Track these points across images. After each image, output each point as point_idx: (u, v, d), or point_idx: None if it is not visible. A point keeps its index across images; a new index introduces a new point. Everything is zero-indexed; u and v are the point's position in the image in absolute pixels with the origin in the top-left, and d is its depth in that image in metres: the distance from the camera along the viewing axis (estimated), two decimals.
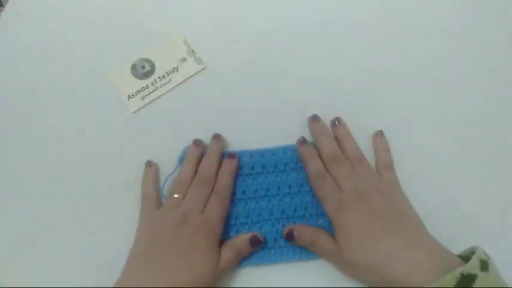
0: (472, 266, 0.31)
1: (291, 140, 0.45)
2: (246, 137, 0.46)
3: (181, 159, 0.44)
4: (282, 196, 0.42)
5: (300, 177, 0.43)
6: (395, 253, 0.34)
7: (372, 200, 0.38)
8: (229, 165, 0.43)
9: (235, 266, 0.39)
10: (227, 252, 0.38)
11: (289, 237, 0.40)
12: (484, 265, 0.32)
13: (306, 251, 0.40)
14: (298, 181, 0.43)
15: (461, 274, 0.31)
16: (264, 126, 0.47)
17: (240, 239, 0.39)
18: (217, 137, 0.45)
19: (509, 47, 0.51)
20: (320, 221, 0.42)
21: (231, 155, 0.43)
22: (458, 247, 0.36)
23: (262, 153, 0.44)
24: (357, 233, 0.36)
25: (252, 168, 0.43)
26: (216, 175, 0.42)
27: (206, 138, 0.45)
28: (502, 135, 0.46)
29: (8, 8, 0.56)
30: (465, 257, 0.34)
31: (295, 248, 0.40)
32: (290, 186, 0.43)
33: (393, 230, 0.36)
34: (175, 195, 0.41)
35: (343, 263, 0.38)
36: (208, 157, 0.43)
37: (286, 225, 0.41)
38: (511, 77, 0.50)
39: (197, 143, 0.44)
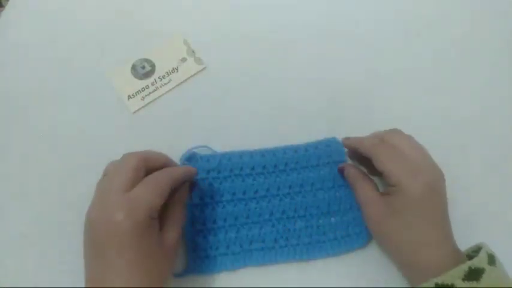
0: (481, 260, 0.31)
1: (291, 140, 0.45)
2: (246, 137, 0.46)
3: (185, 159, 0.43)
4: (282, 196, 0.42)
5: (300, 177, 0.43)
6: (433, 243, 0.34)
7: (438, 177, 0.37)
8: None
9: (185, 218, 0.38)
10: (176, 216, 0.36)
11: (340, 171, 0.42)
12: (492, 259, 0.32)
13: (307, 251, 0.40)
14: (299, 181, 0.43)
15: (469, 267, 0.31)
16: (264, 126, 0.47)
17: (182, 192, 0.38)
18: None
19: (509, 47, 0.51)
20: (333, 219, 0.42)
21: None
22: (458, 247, 0.36)
23: (263, 154, 0.44)
24: (417, 209, 0.35)
25: (252, 168, 0.43)
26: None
27: (206, 138, 0.45)
28: (502, 135, 0.46)
29: (8, 8, 0.56)
30: (467, 256, 0.34)
31: (295, 248, 0.41)
32: (290, 187, 0.43)
33: (443, 217, 0.36)
34: (105, 178, 0.36)
35: (379, 220, 0.37)
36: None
37: (287, 225, 0.41)
38: (511, 77, 0.50)
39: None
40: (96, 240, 0.33)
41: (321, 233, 0.41)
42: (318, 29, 0.53)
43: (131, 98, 0.49)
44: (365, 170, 0.42)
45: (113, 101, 0.49)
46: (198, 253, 0.40)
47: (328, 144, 0.44)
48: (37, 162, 0.46)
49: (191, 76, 0.50)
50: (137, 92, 0.49)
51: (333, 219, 0.42)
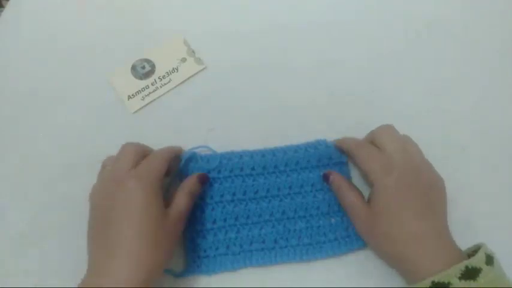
0: (478, 260, 0.31)
1: (291, 140, 0.45)
2: (246, 137, 0.46)
3: (185, 160, 0.43)
4: (282, 197, 0.42)
5: (301, 178, 0.43)
6: (422, 234, 0.34)
7: (421, 168, 0.38)
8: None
9: (190, 209, 0.39)
10: (180, 197, 0.38)
11: (325, 178, 0.42)
12: (490, 260, 0.32)
13: (307, 252, 0.40)
14: (299, 182, 0.43)
15: (466, 266, 0.31)
16: (264, 126, 0.47)
17: (190, 181, 0.40)
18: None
19: (510, 47, 0.51)
20: (333, 220, 0.42)
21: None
22: (455, 244, 0.36)
23: (263, 154, 0.44)
24: (398, 201, 0.35)
25: (253, 169, 0.43)
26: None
27: (206, 138, 0.45)
28: (502, 135, 0.46)
29: (8, 8, 0.56)
30: (466, 255, 0.34)
31: (295, 248, 0.41)
32: (290, 187, 0.43)
33: (431, 209, 0.36)
34: (108, 167, 0.39)
35: (366, 221, 0.37)
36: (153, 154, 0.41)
37: (287, 226, 0.41)
38: (511, 77, 0.50)
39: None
40: (106, 216, 0.35)
41: (321, 234, 0.41)
42: (317, 29, 0.53)
43: (131, 98, 0.49)
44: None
45: (113, 101, 0.49)
46: (197, 253, 0.40)
47: (329, 146, 0.44)
48: (37, 162, 0.46)
49: (191, 76, 0.50)
50: (137, 92, 0.49)
51: (333, 219, 0.42)
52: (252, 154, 0.44)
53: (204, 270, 0.40)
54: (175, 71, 0.50)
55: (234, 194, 0.42)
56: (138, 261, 0.33)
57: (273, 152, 0.44)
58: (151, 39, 0.52)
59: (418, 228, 0.35)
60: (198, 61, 0.51)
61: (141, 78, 0.50)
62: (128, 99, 0.49)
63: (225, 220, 0.41)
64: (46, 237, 0.42)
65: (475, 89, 0.49)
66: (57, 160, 0.46)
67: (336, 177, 0.41)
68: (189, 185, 0.39)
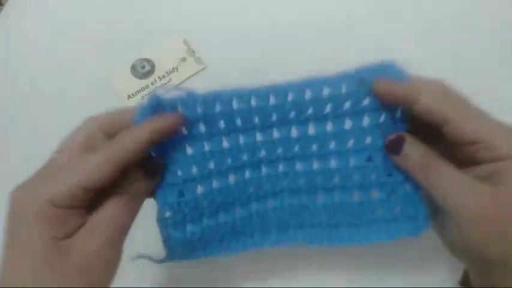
0: None
1: None
2: None
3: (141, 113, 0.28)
4: (300, 159, 0.29)
5: (331, 130, 0.28)
6: None
7: None
8: None
9: (130, 215, 0.26)
10: (110, 206, 0.25)
11: (392, 147, 0.27)
12: None
13: (329, 235, 0.29)
14: (328, 137, 0.28)
15: None
16: None
17: (130, 176, 0.26)
18: None
19: (510, 47, 0.51)
20: (375, 194, 0.28)
21: None
22: None
23: (271, 93, 0.28)
24: None
25: (255, 119, 0.29)
26: None
27: None
28: None
29: (7, 7, 0.56)
30: None
31: (314, 229, 0.30)
32: (314, 144, 0.29)
33: None
34: None
35: (486, 209, 0.25)
36: None
37: (304, 201, 0.29)
38: (511, 77, 0.50)
39: None
40: None
41: (354, 213, 0.29)
42: (318, 29, 0.53)
43: (131, 97, 0.49)
44: None
45: (113, 101, 0.49)
46: (186, 239, 0.29)
47: (384, 70, 0.28)
48: (37, 162, 0.46)
49: (191, 76, 0.50)
50: (137, 91, 0.49)
51: (376, 194, 0.28)
52: (253, 94, 0.29)
53: (194, 256, 0.30)
54: (175, 70, 0.50)
55: (226, 161, 0.28)
56: None
57: (286, 90, 0.28)
58: (151, 39, 0.52)
59: None
60: (198, 61, 0.51)
61: (141, 78, 0.50)
62: (128, 99, 0.49)
63: (217, 197, 0.29)
64: None
65: (475, 89, 0.49)
66: None
67: (416, 149, 0.26)
68: (128, 186, 0.26)
